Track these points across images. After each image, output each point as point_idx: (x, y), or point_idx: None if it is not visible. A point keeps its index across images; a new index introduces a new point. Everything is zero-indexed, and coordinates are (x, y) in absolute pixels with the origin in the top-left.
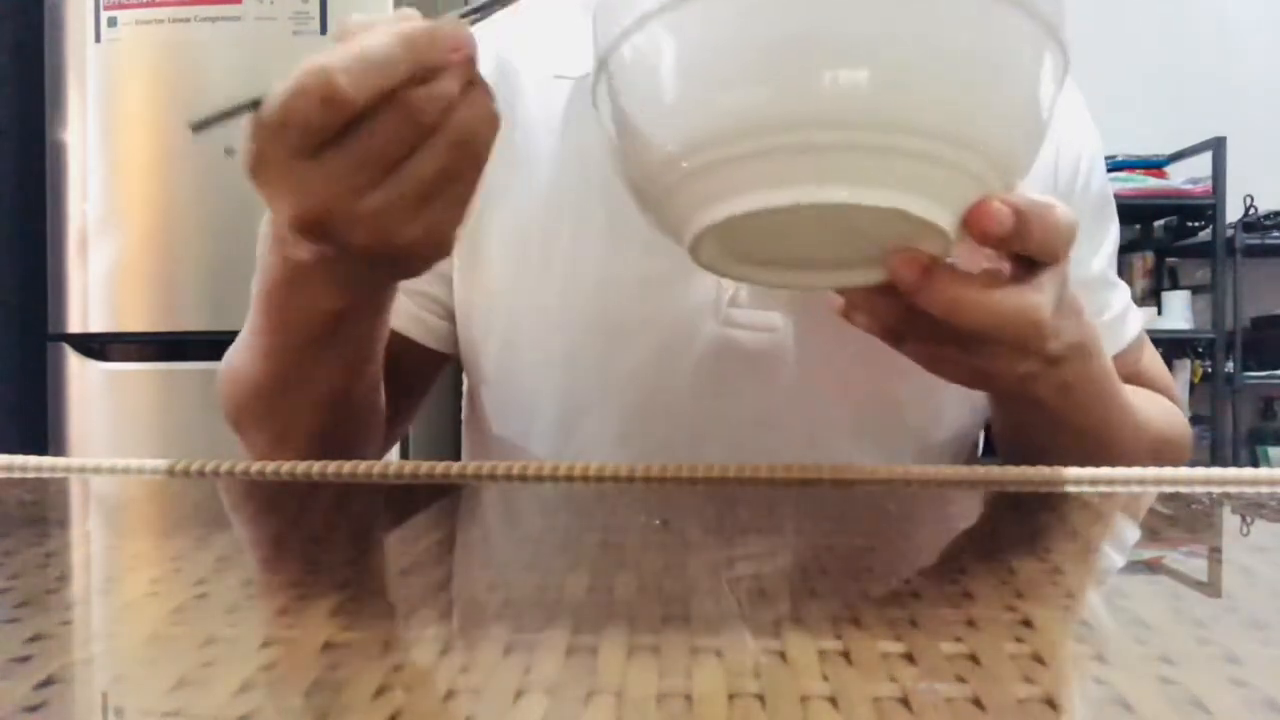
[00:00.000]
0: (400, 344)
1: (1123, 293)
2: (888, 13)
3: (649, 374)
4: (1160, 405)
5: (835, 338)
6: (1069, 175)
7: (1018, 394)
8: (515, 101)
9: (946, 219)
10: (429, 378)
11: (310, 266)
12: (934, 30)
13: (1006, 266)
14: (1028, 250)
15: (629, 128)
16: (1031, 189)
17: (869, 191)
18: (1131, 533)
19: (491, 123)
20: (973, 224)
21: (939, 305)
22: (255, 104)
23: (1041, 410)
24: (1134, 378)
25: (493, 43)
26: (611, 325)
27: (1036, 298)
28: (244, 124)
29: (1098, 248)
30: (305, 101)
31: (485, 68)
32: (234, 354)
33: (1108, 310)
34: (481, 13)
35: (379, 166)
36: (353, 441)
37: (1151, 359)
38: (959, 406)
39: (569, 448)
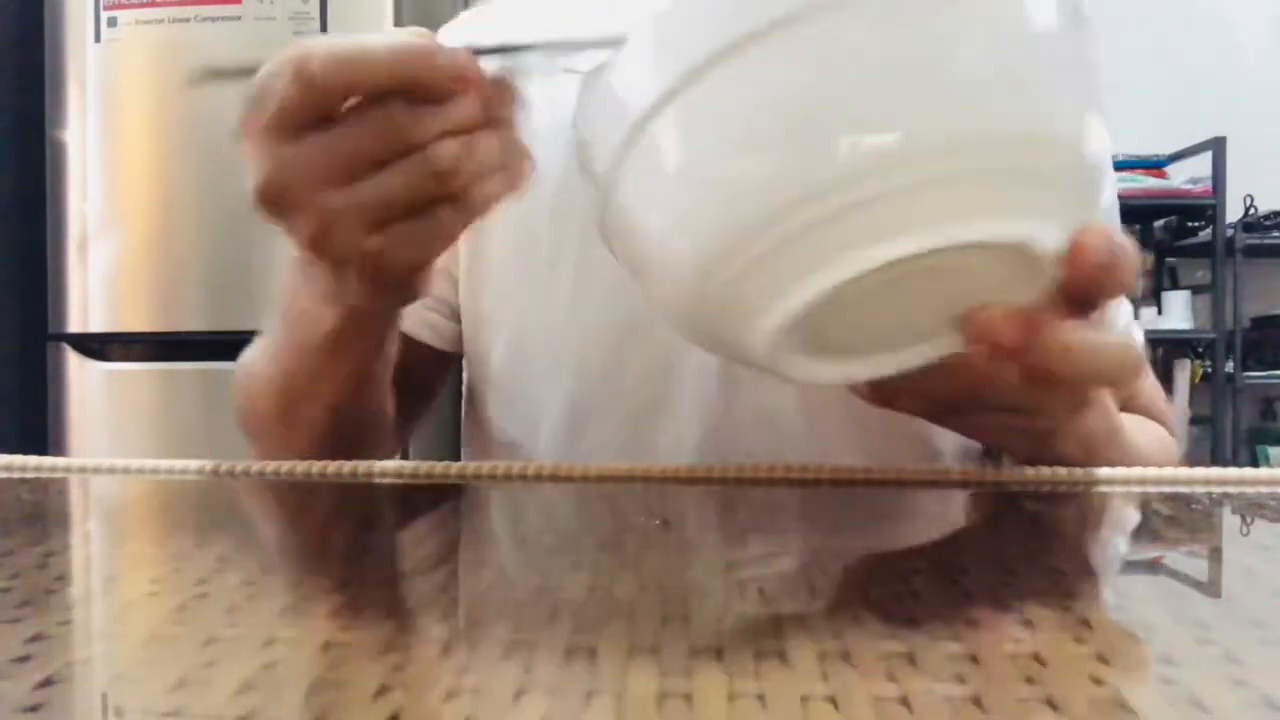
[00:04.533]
0: (408, 347)
1: (1126, 306)
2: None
3: (658, 376)
4: (1154, 436)
5: None
6: None
7: (1041, 453)
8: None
9: (1056, 240)
10: (438, 379)
11: (308, 283)
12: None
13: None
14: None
15: (655, 250)
16: None
17: (989, 224)
18: (1132, 533)
19: (500, 180)
20: (1075, 256)
21: (1050, 359)
22: (253, 71)
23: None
24: (1130, 399)
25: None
26: (622, 326)
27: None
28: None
29: None
30: (279, 79)
31: (493, 62)
32: (251, 356)
33: (1113, 327)
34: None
35: (344, 167)
36: (360, 447)
37: (1148, 377)
38: None
39: (575, 452)
